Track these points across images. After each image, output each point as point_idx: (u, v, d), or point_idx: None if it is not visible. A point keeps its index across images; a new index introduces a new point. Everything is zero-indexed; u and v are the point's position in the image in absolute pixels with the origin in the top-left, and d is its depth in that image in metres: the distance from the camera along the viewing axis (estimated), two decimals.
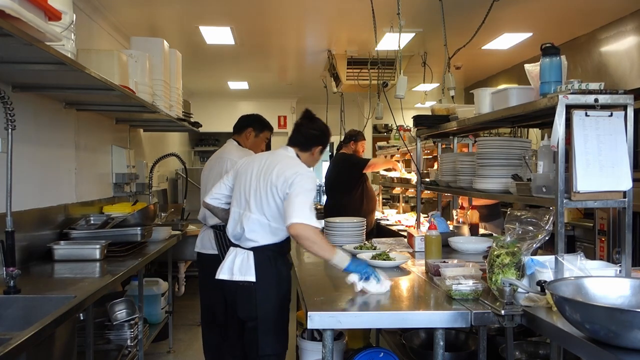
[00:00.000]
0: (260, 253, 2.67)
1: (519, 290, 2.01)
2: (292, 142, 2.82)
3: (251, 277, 2.64)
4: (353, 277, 2.27)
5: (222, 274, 2.72)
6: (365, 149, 5.76)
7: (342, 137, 7.51)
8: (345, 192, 5.34)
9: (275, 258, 2.69)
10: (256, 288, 2.63)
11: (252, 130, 3.83)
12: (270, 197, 2.62)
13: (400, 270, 2.75)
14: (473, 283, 2.12)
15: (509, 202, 3.04)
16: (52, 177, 3.41)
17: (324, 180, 6.02)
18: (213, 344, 3.60)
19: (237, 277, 2.67)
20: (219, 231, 3.43)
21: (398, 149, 6.06)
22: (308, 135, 2.81)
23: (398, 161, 6.24)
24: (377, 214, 6.23)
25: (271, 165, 2.67)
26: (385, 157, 6.56)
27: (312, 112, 2.92)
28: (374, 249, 3.15)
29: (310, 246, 2.44)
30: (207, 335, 3.66)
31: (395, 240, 3.87)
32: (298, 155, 2.78)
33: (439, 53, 4.65)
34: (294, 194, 2.52)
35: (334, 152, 8.94)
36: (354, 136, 5.59)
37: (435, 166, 4.78)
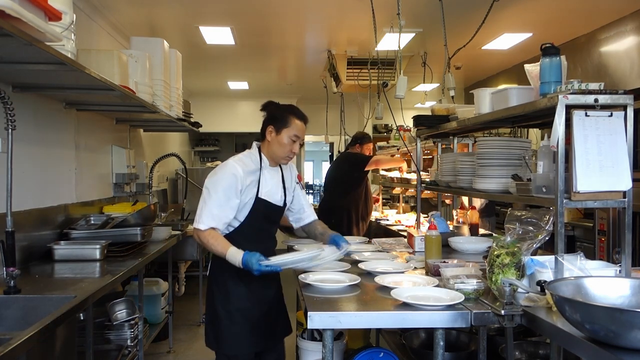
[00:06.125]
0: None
1: (519, 290, 2.01)
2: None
3: None
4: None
5: None
6: (371, 152, 5.58)
7: (342, 138, 7.55)
8: (344, 193, 5.17)
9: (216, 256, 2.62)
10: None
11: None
12: None
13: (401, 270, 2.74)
14: (476, 282, 2.13)
15: (508, 202, 3.04)
16: (52, 177, 3.41)
17: (324, 179, 5.92)
18: None
19: None
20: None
21: (398, 149, 6.06)
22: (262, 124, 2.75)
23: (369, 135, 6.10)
24: (377, 214, 6.23)
25: None
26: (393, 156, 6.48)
27: (268, 102, 2.77)
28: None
29: (209, 249, 2.54)
30: None
31: (395, 240, 3.86)
32: (261, 151, 2.69)
33: (439, 53, 4.65)
34: (202, 192, 2.60)
35: (334, 153, 8.92)
36: (360, 139, 5.44)
37: (433, 166, 4.78)
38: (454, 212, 4.22)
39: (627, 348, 1.44)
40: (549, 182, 2.22)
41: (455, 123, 3.33)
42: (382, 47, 5.10)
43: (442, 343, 2.00)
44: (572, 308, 1.54)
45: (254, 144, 2.73)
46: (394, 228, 5.15)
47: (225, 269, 2.56)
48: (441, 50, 4.18)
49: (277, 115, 2.66)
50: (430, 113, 3.71)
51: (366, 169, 5.15)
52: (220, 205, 2.51)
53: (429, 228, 2.95)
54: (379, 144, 7.17)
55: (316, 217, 2.96)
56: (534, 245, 2.12)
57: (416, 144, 4.02)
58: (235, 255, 2.42)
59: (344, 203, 5.15)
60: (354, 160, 5.26)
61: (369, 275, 2.52)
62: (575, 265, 1.99)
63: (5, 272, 2.30)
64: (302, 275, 2.46)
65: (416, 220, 4.14)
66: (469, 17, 4.28)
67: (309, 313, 1.97)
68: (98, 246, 3.14)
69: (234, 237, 2.56)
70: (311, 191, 22.10)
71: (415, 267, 2.81)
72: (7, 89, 2.80)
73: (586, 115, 2.05)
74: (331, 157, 9.48)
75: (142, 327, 3.56)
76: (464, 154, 3.60)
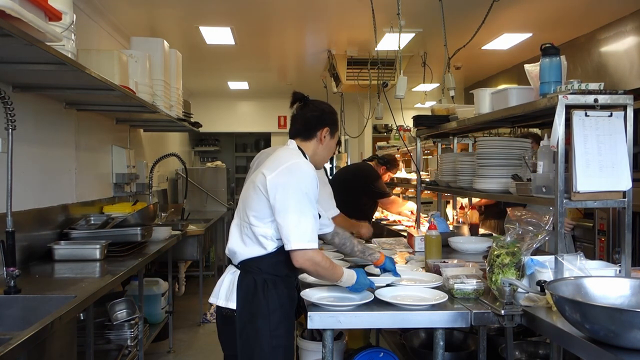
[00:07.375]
0: (248, 272, 2.14)
1: (519, 290, 2.02)
2: (291, 135, 2.31)
3: (232, 304, 2.14)
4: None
5: (212, 296, 2.24)
6: (389, 179, 5.56)
7: (342, 138, 7.54)
8: (348, 202, 5.08)
9: (265, 282, 2.11)
10: (237, 319, 2.13)
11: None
12: (252, 192, 2.13)
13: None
14: (476, 282, 2.13)
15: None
16: (52, 177, 3.41)
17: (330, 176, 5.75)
18: None
19: (221, 303, 2.18)
20: None
21: (398, 149, 6.06)
22: (306, 120, 2.26)
23: (398, 161, 6.20)
24: (377, 214, 6.21)
25: (262, 162, 2.33)
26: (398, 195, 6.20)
27: (302, 94, 2.31)
28: None
29: (317, 276, 2.14)
30: None
31: (395, 240, 3.87)
32: (302, 149, 2.24)
33: (439, 53, 4.65)
34: (282, 203, 2.03)
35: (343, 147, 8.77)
36: (390, 163, 5.35)
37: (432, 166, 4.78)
38: (454, 212, 4.22)
39: (627, 348, 1.44)
40: (549, 182, 2.22)
41: (455, 123, 3.33)
42: (382, 47, 5.10)
43: (442, 343, 2.01)
44: (572, 308, 1.54)
45: (292, 142, 2.28)
46: (394, 228, 5.14)
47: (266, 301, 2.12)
48: (441, 50, 4.18)
49: (333, 116, 2.30)
50: (430, 113, 3.71)
51: (379, 201, 5.15)
52: (316, 216, 2.07)
53: (429, 228, 2.95)
54: (379, 144, 7.17)
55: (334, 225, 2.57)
56: (534, 245, 2.12)
57: (416, 144, 4.02)
58: (350, 276, 2.10)
59: (344, 208, 5.08)
60: (372, 187, 5.09)
61: (369, 275, 2.52)
62: (575, 265, 1.99)
63: (5, 272, 2.30)
64: (302, 275, 2.46)
65: (416, 220, 4.14)
66: (469, 17, 4.28)
67: (309, 313, 1.97)
68: (98, 246, 3.14)
69: (278, 255, 2.12)
70: None
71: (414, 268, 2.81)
72: (7, 89, 2.80)
73: (586, 115, 2.05)
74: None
75: (142, 327, 3.56)
76: (464, 154, 3.60)
